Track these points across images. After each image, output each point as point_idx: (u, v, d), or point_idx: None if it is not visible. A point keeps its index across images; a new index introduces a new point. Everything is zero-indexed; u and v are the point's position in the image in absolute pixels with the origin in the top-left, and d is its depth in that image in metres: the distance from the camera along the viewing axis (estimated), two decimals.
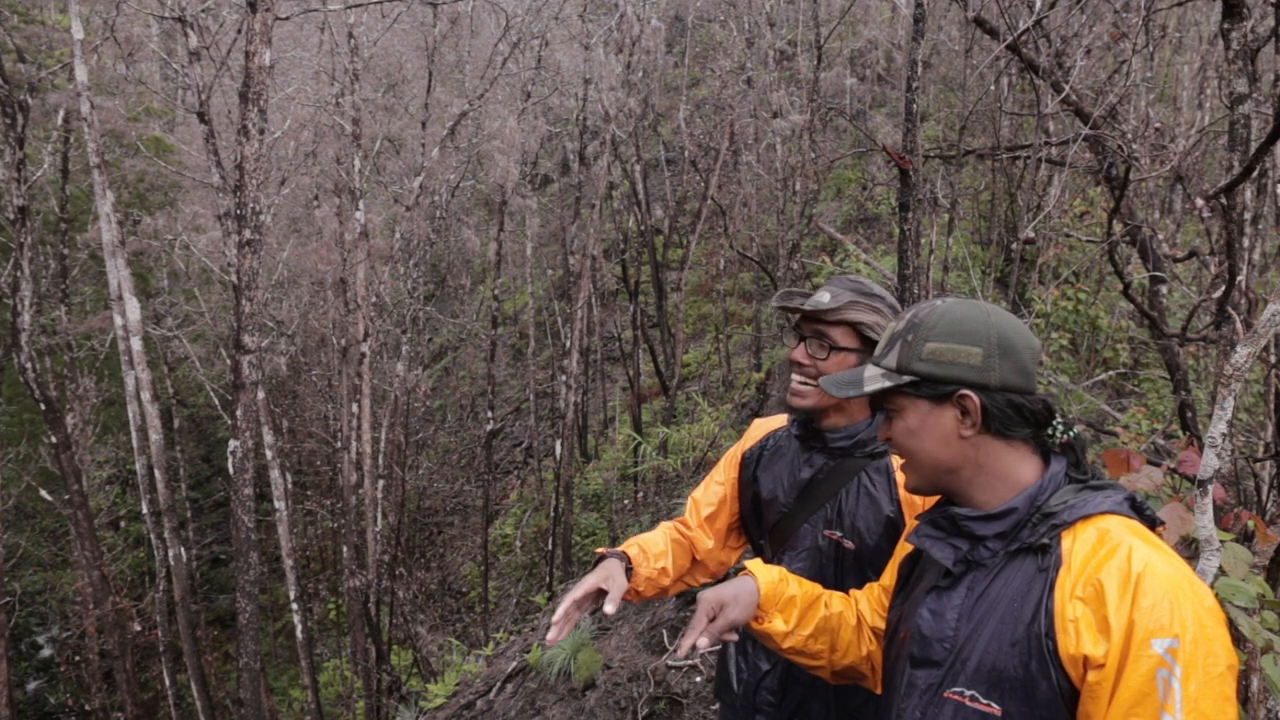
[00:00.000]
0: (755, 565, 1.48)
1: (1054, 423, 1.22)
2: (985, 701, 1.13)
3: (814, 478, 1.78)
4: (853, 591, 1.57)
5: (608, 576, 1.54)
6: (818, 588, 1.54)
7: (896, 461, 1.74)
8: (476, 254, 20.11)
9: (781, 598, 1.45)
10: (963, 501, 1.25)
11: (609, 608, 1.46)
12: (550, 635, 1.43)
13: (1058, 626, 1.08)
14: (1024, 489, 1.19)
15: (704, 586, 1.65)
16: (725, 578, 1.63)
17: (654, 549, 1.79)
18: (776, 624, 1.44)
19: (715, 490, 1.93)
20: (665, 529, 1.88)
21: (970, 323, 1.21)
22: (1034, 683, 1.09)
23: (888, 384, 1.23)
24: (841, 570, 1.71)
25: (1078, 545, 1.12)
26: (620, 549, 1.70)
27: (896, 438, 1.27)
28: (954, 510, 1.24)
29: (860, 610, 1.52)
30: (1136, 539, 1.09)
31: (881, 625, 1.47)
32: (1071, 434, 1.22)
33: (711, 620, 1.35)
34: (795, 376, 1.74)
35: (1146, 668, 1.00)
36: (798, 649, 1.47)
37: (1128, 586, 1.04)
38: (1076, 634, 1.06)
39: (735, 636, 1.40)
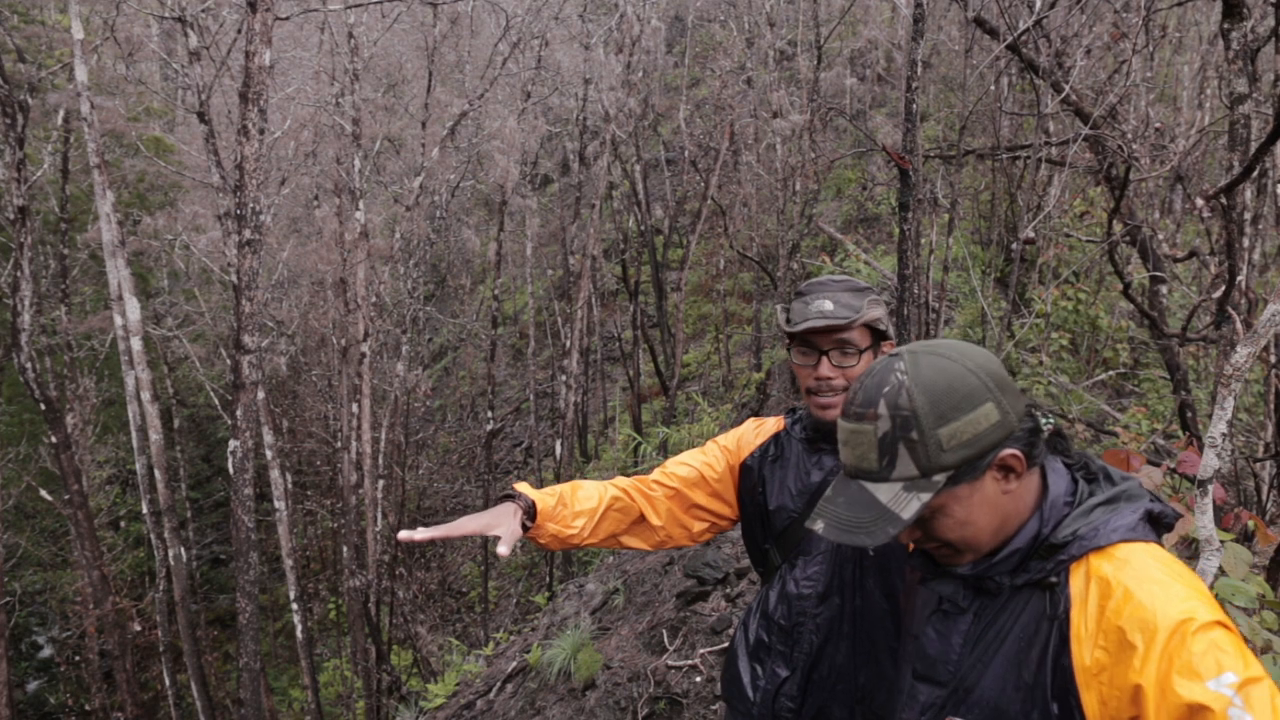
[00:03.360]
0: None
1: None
2: None
3: (824, 480, 1.74)
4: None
5: (492, 525, 1.55)
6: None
7: None
8: (476, 254, 20.12)
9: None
10: None
11: (502, 549, 1.49)
12: (408, 535, 1.48)
13: (1080, 682, 1.02)
14: (1026, 521, 1.12)
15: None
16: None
17: (578, 505, 1.71)
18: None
19: (694, 470, 1.84)
20: (612, 488, 1.78)
21: (959, 381, 1.07)
22: None
23: (928, 496, 1.07)
24: (861, 571, 1.68)
25: (1091, 589, 1.04)
26: (531, 497, 1.65)
27: (946, 536, 1.11)
28: (955, 571, 1.17)
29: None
30: (1155, 572, 1.03)
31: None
32: (1050, 422, 1.15)
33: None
34: (823, 394, 1.67)
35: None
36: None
37: (1160, 640, 0.97)
38: (1100, 693, 1.01)
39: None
